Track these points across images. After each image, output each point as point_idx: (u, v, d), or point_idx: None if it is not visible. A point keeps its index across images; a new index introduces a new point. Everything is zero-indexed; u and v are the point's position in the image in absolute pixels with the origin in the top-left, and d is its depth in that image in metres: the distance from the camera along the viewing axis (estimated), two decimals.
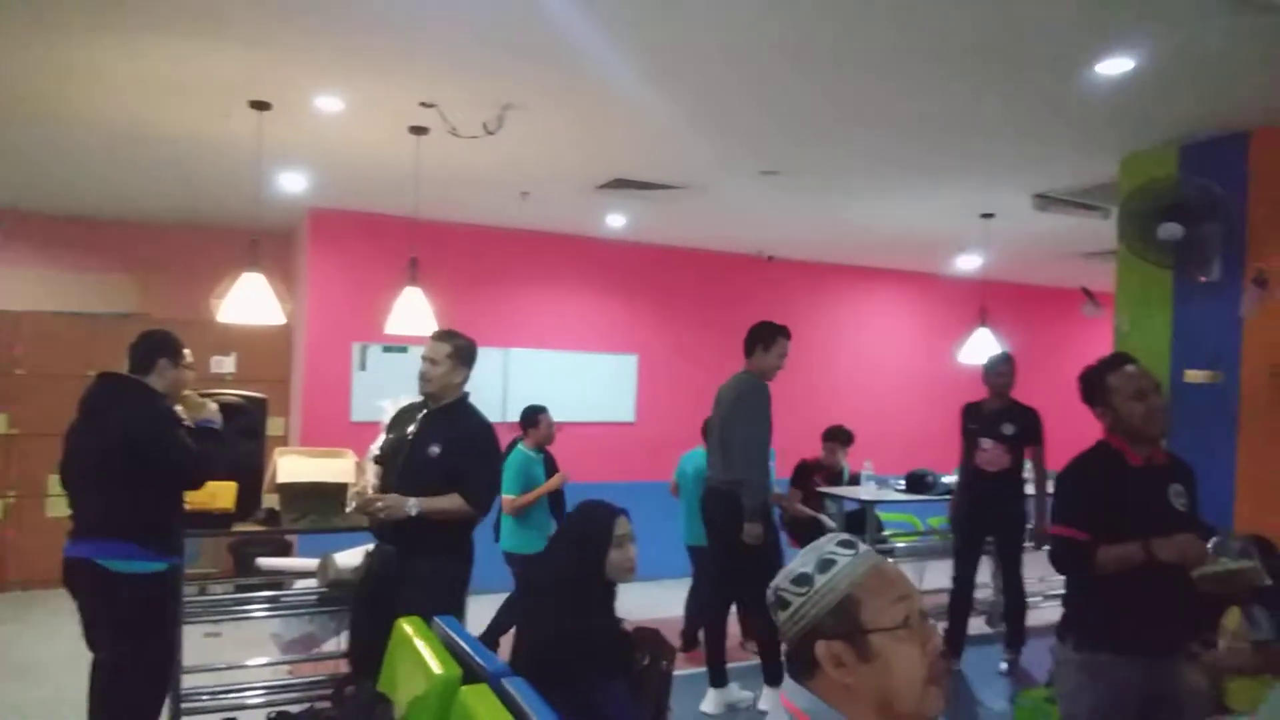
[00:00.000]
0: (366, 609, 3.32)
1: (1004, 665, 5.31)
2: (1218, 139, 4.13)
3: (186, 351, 3.45)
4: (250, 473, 3.91)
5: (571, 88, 3.82)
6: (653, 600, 6.24)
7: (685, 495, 5.75)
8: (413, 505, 3.20)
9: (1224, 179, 3.99)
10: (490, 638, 4.74)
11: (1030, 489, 5.30)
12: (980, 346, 6.13)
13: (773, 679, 4.45)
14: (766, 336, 4.46)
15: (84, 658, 3.26)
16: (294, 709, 3.80)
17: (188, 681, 3.79)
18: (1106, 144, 4.43)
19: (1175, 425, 3.98)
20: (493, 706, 1.85)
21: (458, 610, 3.27)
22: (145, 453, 3.17)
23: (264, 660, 4.27)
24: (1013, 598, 5.38)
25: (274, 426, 6.63)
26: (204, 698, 3.87)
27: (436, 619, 2.46)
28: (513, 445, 5.51)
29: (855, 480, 6.30)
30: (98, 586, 3.16)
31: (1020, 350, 7.37)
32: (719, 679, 4.58)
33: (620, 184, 5.49)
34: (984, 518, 5.30)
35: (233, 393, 4.02)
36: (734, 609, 4.87)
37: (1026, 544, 5.44)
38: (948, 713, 1.27)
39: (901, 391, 8.60)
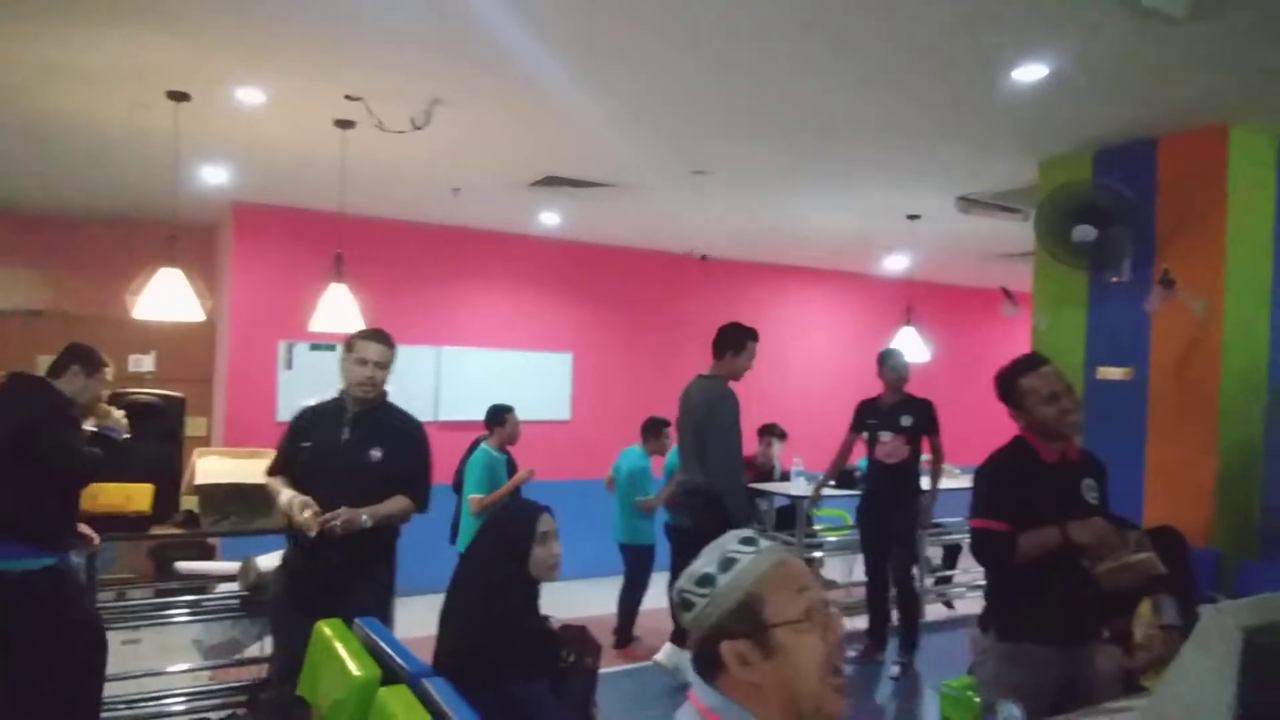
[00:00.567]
0: (289, 614, 3.23)
1: (895, 669, 5.29)
2: (1128, 145, 4.30)
3: (107, 368, 3.48)
4: (167, 474, 3.81)
5: (501, 84, 3.80)
6: (586, 598, 6.25)
7: (619, 493, 5.77)
8: (367, 518, 3.10)
9: (1134, 183, 4.15)
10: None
11: (926, 484, 5.46)
12: (905, 345, 6.26)
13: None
14: (737, 341, 4.55)
15: None
16: (215, 716, 3.71)
17: (104, 690, 3.67)
18: (1025, 149, 4.57)
19: (1089, 420, 4.12)
20: (411, 707, 1.83)
21: (387, 612, 3.23)
22: (30, 447, 3.15)
23: (185, 666, 4.16)
24: (905, 598, 5.43)
25: (195, 427, 6.45)
26: (121, 707, 3.76)
27: (358, 621, 2.42)
28: (475, 445, 5.49)
29: (786, 477, 6.40)
30: None
31: (943, 348, 7.57)
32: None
33: (552, 181, 5.47)
34: (884, 510, 5.38)
35: (148, 392, 3.92)
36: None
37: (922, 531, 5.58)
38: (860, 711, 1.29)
39: (831, 389, 8.73)
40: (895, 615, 5.50)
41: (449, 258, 7.07)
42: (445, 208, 6.28)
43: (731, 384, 4.51)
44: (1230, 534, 4.01)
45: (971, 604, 5.60)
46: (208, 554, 5.81)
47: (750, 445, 6.26)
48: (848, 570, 6.74)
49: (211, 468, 3.83)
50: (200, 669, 4.19)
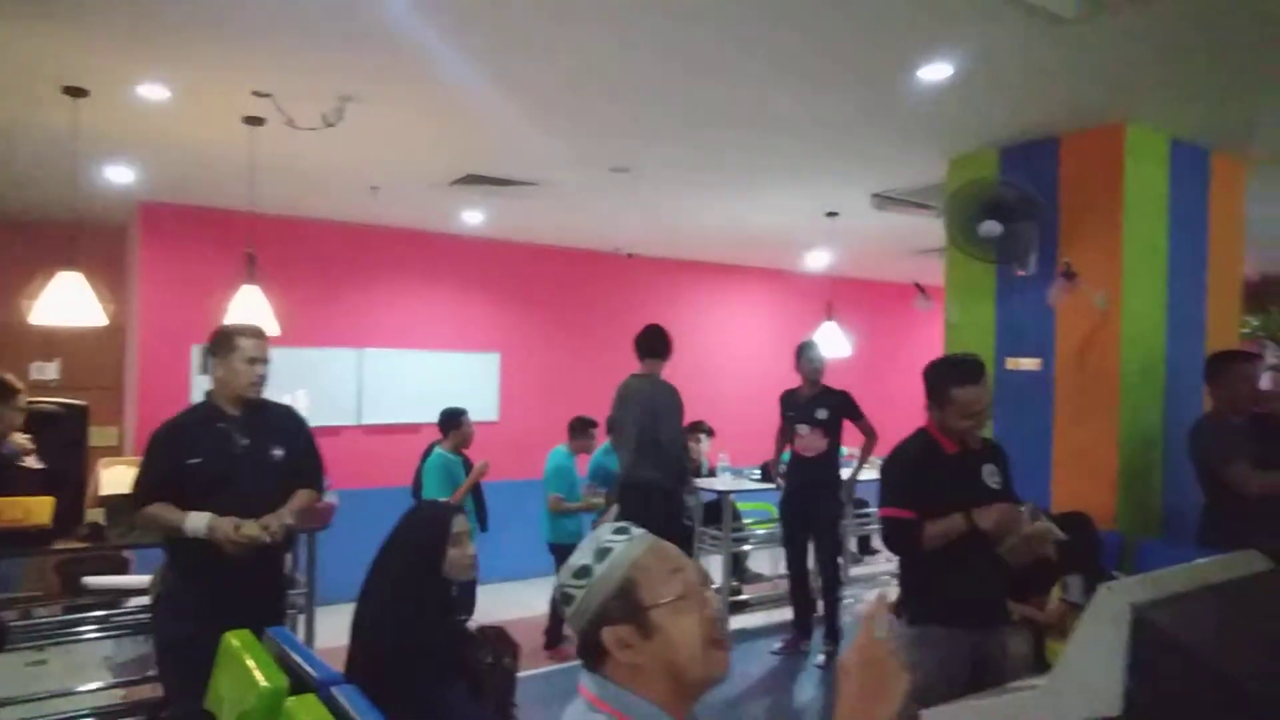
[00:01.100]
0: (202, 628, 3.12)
1: (821, 658, 5.35)
2: (1032, 143, 4.44)
3: (21, 394, 3.39)
4: (69, 486, 3.66)
5: (413, 80, 3.74)
6: (518, 598, 6.23)
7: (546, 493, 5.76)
8: (288, 515, 3.06)
9: (1038, 180, 4.29)
10: None
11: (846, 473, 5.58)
12: (826, 339, 6.37)
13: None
14: (666, 345, 4.95)
15: None
16: None
17: (5, 715, 3.52)
18: (936, 147, 4.69)
19: (999, 409, 4.26)
20: (320, 716, 1.79)
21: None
22: None
23: (96, 685, 4.03)
24: (828, 587, 5.49)
25: (105, 436, 6.22)
26: None
27: (269, 631, 2.36)
28: (429, 450, 5.41)
29: (713, 473, 6.46)
30: None
31: (863, 341, 7.70)
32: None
33: (473, 180, 5.42)
34: (804, 502, 5.46)
35: (49, 401, 3.76)
36: None
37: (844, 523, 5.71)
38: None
39: (756, 385, 8.82)
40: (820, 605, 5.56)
41: (370, 258, 6.94)
42: (364, 207, 6.17)
43: None
44: (1134, 515, 4.19)
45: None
46: (121, 568, 5.58)
47: None
48: (774, 564, 6.83)
49: (117, 477, 3.70)
50: (112, 686, 4.07)
